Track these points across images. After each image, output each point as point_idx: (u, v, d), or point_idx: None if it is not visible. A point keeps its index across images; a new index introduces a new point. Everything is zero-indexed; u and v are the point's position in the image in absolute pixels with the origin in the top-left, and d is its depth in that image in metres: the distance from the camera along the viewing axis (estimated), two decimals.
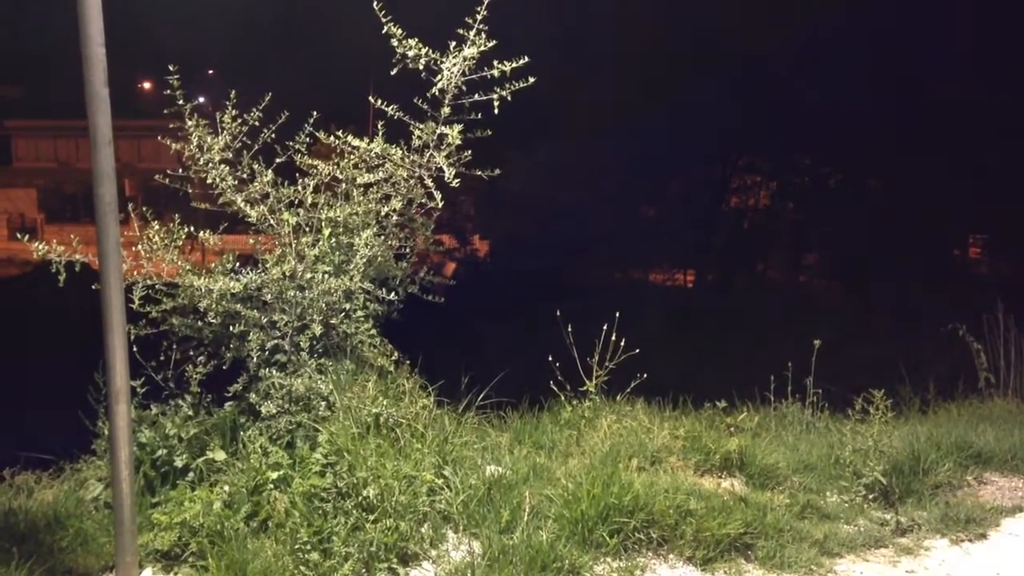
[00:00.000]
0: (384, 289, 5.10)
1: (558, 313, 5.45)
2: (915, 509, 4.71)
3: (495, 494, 4.16)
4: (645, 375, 5.34)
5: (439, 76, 4.95)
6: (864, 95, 17.12)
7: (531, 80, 4.95)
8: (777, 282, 18.45)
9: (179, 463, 4.18)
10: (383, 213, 5.11)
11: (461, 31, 4.91)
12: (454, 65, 4.93)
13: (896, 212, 18.01)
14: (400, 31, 4.84)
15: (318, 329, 4.63)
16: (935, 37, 16.60)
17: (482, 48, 4.91)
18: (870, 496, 4.78)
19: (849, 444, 5.11)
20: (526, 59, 4.95)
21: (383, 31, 4.83)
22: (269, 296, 4.70)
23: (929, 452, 5.28)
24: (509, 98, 4.95)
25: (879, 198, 18.33)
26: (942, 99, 16.79)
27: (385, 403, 4.48)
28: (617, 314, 5.29)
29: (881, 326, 11.31)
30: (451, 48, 4.93)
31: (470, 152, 5.07)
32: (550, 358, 5.25)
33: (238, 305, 4.63)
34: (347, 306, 4.87)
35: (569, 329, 5.33)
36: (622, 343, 5.24)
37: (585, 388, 5.29)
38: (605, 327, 5.24)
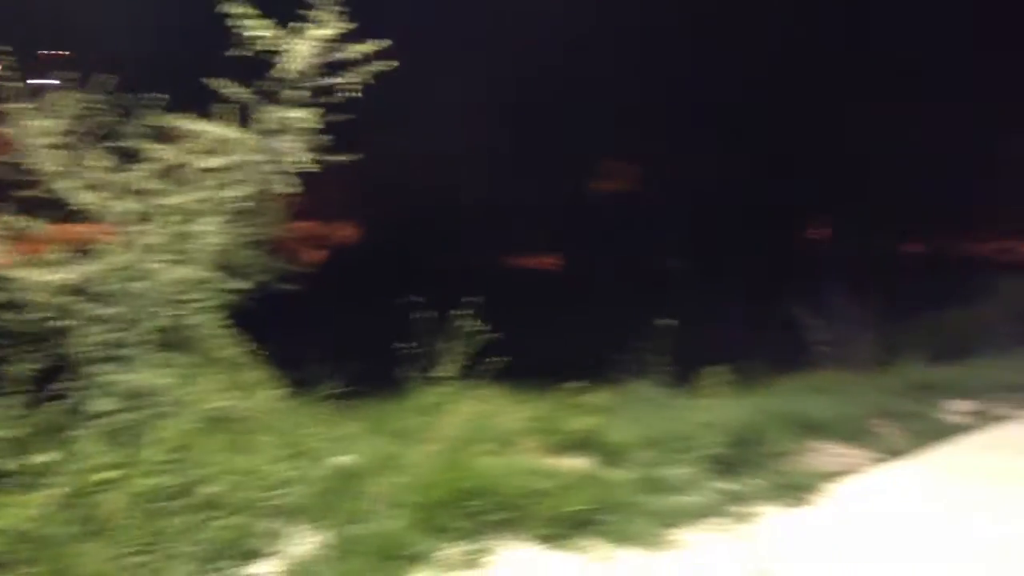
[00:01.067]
0: (234, 278, 4.93)
1: (419, 299, 5.43)
2: (751, 478, 5.01)
3: (346, 484, 4.12)
4: (504, 359, 5.40)
5: (288, 57, 4.83)
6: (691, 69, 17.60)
7: (394, 64, 4.91)
8: (638, 265, 19.04)
9: (3, 466, 3.92)
10: (231, 199, 4.94)
11: (314, 12, 4.81)
12: (303, 46, 4.82)
13: (745, 196, 18.93)
14: (241, 9, 4.68)
15: (159, 321, 4.44)
16: None
17: (341, 30, 4.82)
18: (711, 468, 5.04)
19: (693, 419, 5.37)
20: (388, 42, 4.90)
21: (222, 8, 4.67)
22: (105, 288, 4.46)
23: (767, 424, 5.61)
24: (372, 81, 4.89)
25: (729, 184, 19.19)
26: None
27: (232, 396, 4.35)
28: (482, 299, 5.34)
29: (731, 306, 11.91)
30: (301, 28, 4.82)
31: (331, 136, 4.96)
32: (401, 344, 5.22)
33: (70, 298, 4.38)
34: (192, 296, 4.69)
35: (431, 315, 5.33)
36: (479, 327, 5.29)
37: (442, 374, 5.31)
38: (469, 312, 5.28)
